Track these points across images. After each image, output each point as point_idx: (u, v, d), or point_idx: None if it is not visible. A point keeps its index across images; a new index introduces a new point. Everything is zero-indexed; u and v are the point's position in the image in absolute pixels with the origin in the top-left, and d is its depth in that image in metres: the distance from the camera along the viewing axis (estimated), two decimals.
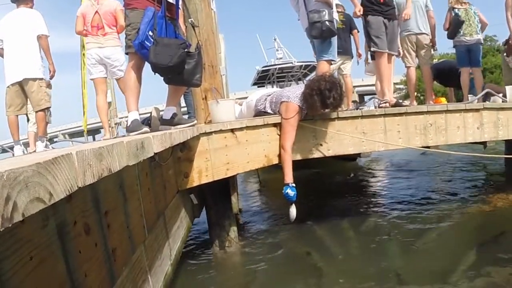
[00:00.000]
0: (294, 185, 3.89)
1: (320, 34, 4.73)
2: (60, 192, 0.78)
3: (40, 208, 0.71)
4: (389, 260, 3.45)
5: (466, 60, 6.23)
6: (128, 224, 1.98)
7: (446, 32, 6.32)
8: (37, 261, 1.13)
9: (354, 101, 8.49)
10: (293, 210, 3.89)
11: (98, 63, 5.33)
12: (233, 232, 4.05)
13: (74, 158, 0.87)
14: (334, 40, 4.97)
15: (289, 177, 3.90)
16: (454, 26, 6.14)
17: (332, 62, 5.21)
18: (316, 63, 5.41)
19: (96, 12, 5.20)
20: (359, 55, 7.34)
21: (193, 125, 3.44)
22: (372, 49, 5.21)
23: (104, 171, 1.05)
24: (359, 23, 6.97)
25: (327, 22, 4.64)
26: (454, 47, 6.39)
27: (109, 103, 10.54)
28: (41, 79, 5.22)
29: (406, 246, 3.72)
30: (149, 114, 3.93)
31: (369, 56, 7.00)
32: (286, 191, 3.86)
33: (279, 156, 4.02)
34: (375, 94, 7.07)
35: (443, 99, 6.62)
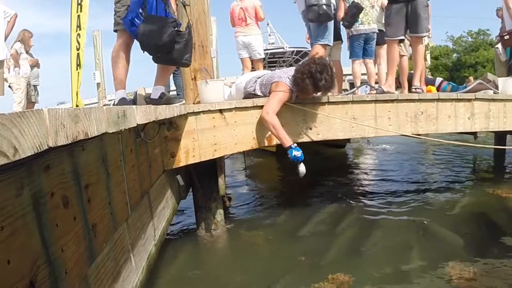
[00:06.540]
0: (295, 144, 3.68)
1: (316, 18, 4.67)
2: (27, 148, 0.72)
3: (2, 162, 0.65)
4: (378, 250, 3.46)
5: None
6: (110, 200, 1.91)
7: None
8: (9, 231, 1.06)
9: (344, 90, 8.45)
10: (302, 167, 3.67)
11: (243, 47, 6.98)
12: (220, 215, 4.01)
13: (46, 116, 0.81)
14: (331, 24, 4.91)
15: (287, 139, 3.66)
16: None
17: (328, 47, 5.14)
18: (308, 50, 5.34)
19: (241, 8, 6.82)
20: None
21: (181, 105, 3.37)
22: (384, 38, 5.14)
23: (80, 134, 0.98)
24: None
25: (324, 6, 4.57)
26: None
27: (98, 84, 10.45)
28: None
29: (390, 236, 3.73)
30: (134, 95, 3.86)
31: None
32: (293, 154, 3.61)
33: (268, 138, 3.95)
34: (367, 82, 7.02)
35: (433, 88, 6.57)
